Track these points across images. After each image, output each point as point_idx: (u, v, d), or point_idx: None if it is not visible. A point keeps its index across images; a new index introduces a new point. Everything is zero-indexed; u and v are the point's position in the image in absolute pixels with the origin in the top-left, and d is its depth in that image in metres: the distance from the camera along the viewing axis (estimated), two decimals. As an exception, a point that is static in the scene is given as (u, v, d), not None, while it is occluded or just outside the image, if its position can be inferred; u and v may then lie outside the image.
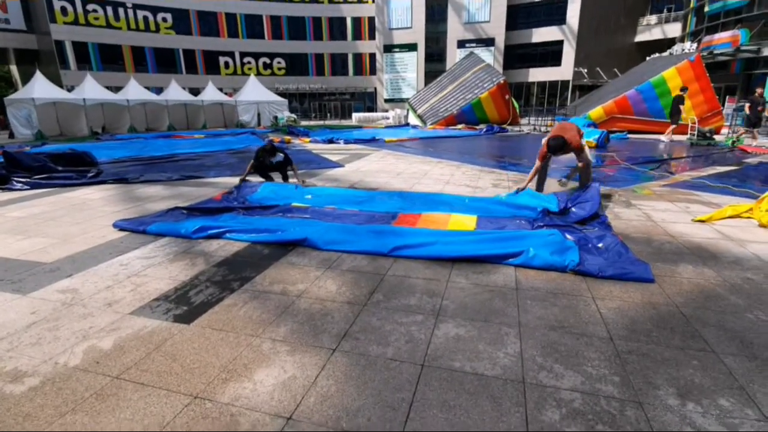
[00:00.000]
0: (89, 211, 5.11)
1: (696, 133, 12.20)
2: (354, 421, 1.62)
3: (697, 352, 2.06)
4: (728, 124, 15.42)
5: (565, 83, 34.77)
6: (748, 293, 2.67)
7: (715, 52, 23.27)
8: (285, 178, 6.45)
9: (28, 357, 2.08)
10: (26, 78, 24.16)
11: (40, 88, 19.61)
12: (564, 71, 34.50)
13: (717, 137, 12.80)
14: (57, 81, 25.66)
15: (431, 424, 1.61)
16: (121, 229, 4.21)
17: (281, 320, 2.40)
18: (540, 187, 5.34)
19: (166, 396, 1.78)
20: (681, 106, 12.64)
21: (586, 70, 32.97)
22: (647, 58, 19.30)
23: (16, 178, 6.63)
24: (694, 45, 23.11)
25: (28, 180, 6.66)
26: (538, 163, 5.14)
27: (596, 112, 15.52)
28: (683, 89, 13.10)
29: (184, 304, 2.60)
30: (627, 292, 2.70)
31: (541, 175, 5.30)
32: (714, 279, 2.89)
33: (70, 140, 17.00)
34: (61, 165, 7.18)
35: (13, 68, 33.37)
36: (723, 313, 2.44)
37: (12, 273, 3.15)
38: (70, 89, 23.49)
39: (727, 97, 20.17)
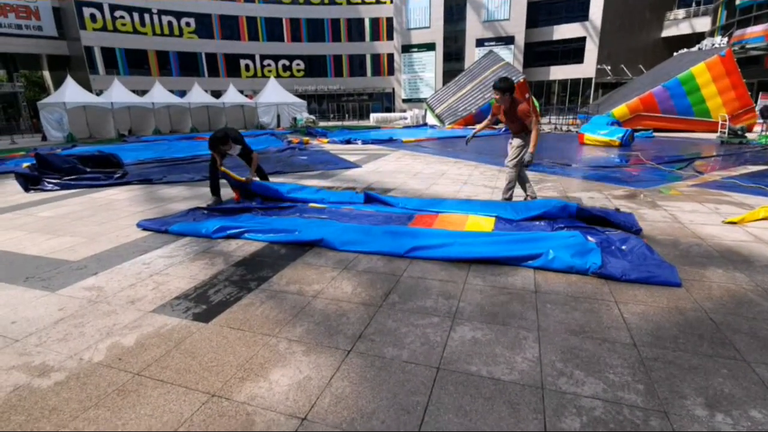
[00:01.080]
0: (115, 211, 5.27)
1: (727, 130, 11.72)
2: (368, 424, 1.61)
3: (727, 361, 1.96)
4: (761, 121, 14.75)
5: (587, 81, 34.00)
6: (783, 299, 2.54)
7: (747, 46, 22.33)
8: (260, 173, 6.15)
9: (55, 352, 2.15)
10: (58, 83, 25.20)
11: (71, 92, 20.42)
12: (586, 69, 33.73)
13: (749, 135, 12.28)
14: (87, 85, 26.70)
15: (446, 428, 1.59)
16: (145, 229, 4.32)
17: (297, 320, 2.41)
18: (523, 184, 4.94)
19: (185, 393, 1.81)
20: None
21: (609, 68, 32.16)
22: (674, 54, 18.66)
23: (47, 179, 6.91)
24: (725, 39, 22.19)
25: (59, 181, 6.93)
26: (489, 118, 5.11)
27: (620, 110, 15.11)
28: None
29: (203, 303, 2.65)
30: (652, 296, 2.60)
31: (522, 174, 4.89)
32: (746, 284, 2.76)
33: (98, 142, 17.64)
34: (89, 166, 7.44)
35: (46, 73, 34.80)
36: (755, 320, 2.32)
37: (41, 270, 3.28)
38: (98, 93, 24.38)
39: (760, 93, 19.31)
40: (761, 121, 13.69)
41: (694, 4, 32.36)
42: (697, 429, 1.56)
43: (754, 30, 22.92)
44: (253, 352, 2.11)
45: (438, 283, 2.86)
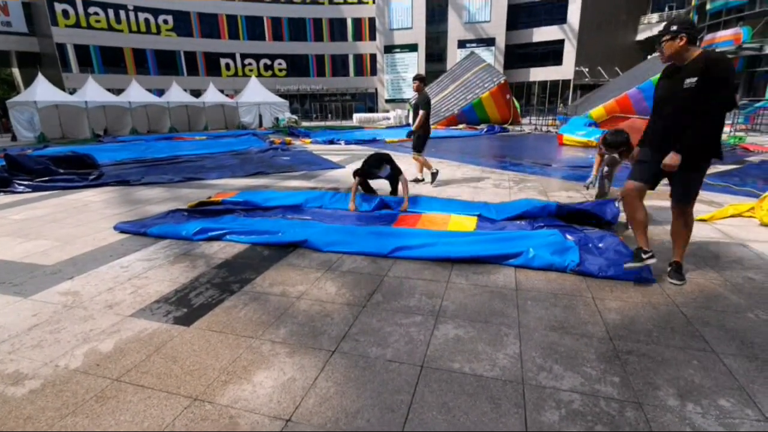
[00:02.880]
0: (91, 213, 5.13)
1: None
2: (353, 423, 1.62)
3: (697, 352, 2.05)
4: (730, 122, 15.35)
5: (566, 82, 34.74)
6: (749, 293, 2.66)
7: (717, 50, 23.18)
8: (394, 191, 5.39)
9: (29, 359, 2.09)
10: (28, 81, 24.29)
11: (42, 90, 19.70)
12: (565, 70, 34.47)
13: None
14: (59, 84, 25.81)
15: (430, 425, 1.61)
16: (122, 231, 4.22)
17: (281, 322, 2.40)
18: (602, 191, 4.93)
19: (166, 398, 1.79)
20: None
21: (587, 69, 32.94)
22: (648, 57, 19.24)
23: (17, 181, 6.66)
24: (696, 43, 22.99)
25: (30, 183, 6.69)
26: (597, 158, 4.81)
27: (597, 111, 15.49)
28: None
29: (185, 306, 2.61)
30: (627, 292, 2.69)
31: (603, 183, 4.83)
32: (715, 279, 2.88)
33: (72, 142, 17.08)
34: (62, 167, 7.21)
35: (15, 71, 33.49)
36: (724, 312, 2.43)
37: (14, 276, 3.17)
38: (72, 92, 23.63)
39: (730, 95, 20.06)
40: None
41: (667, 9, 33.44)
42: (669, 418, 1.62)
43: (724, 34, 23.84)
44: (236, 354, 2.09)
45: (422, 283, 2.89)
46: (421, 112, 6.22)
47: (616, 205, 4.03)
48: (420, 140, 6.46)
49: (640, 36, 34.91)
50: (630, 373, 1.89)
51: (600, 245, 3.32)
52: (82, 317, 2.50)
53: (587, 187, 5.14)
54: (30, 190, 6.58)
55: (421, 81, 6.31)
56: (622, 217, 3.84)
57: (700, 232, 3.87)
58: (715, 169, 7.52)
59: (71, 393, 1.83)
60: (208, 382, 1.88)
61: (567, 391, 1.78)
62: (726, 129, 14.84)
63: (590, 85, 30.90)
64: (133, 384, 1.88)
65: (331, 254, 3.47)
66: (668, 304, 2.53)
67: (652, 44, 30.97)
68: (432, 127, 7.23)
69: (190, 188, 6.63)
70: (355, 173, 4.97)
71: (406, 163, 8.94)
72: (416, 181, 6.67)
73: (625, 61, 27.97)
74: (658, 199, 4.94)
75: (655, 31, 33.69)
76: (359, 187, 5.03)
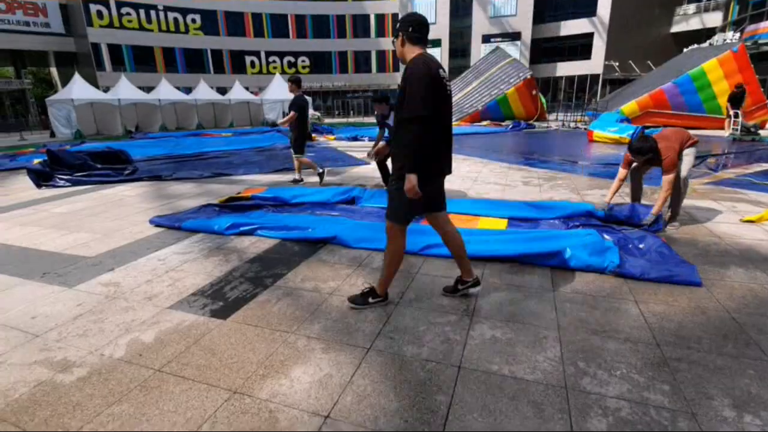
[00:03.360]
0: (126, 207, 5.29)
1: (740, 127, 11.57)
2: (392, 422, 1.61)
3: (752, 362, 1.93)
4: (774, 118, 14.54)
5: (595, 77, 33.67)
6: (806, 299, 2.50)
7: (760, 41, 21.99)
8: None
9: (75, 348, 2.16)
10: (65, 80, 25.36)
11: (78, 89, 20.49)
12: (594, 65, 33.41)
13: (762, 132, 12.12)
14: (94, 82, 26.81)
15: (471, 428, 1.57)
16: (158, 225, 4.34)
17: (314, 317, 2.41)
18: (636, 198, 4.30)
19: (207, 390, 1.81)
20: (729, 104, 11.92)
21: (617, 64, 31.81)
22: (685, 50, 18.43)
23: (58, 176, 6.95)
24: (737, 35, 21.87)
25: (70, 177, 6.97)
26: (621, 171, 4.04)
27: (629, 106, 14.98)
28: (738, 86, 12.36)
29: (220, 300, 2.65)
30: (672, 295, 2.57)
31: (635, 185, 4.23)
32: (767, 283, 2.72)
33: (106, 139, 17.72)
34: (99, 163, 7.48)
35: (53, 70, 35.00)
36: (779, 320, 2.29)
37: (58, 266, 3.29)
38: (105, 90, 24.44)
39: (773, 89, 19.03)
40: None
41: None
42: (726, 430, 1.54)
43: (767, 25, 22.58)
44: (272, 349, 2.11)
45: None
46: (291, 113, 5.99)
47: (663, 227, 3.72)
48: (297, 141, 6.27)
49: (675, 28, 33.46)
50: (681, 382, 1.80)
51: (641, 246, 3.19)
52: (123, 308, 2.58)
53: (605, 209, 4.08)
54: (70, 184, 6.86)
55: (295, 83, 6.03)
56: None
57: (748, 234, 3.68)
58: (759, 167, 7.13)
59: (116, 382, 1.88)
60: (247, 376, 1.90)
61: (614, 398, 1.71)
62: (769, 125, 14.09)
63: (620, 80, 29.85)
64: (175, 375, 1.92)
65: (360, 251, 3.46)
66: (718, 309, 2.40)
67: (688, 37, 29.63)
68: (455, 123, 7.09)
69: (220, 183, 6.77)
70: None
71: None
72: (295, 182, 6.49)
73: (659, 55, 26.86)
74: (702, 200, 4.72)
75: (692, 23, 32.29)
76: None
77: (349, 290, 2.75)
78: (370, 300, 2.51)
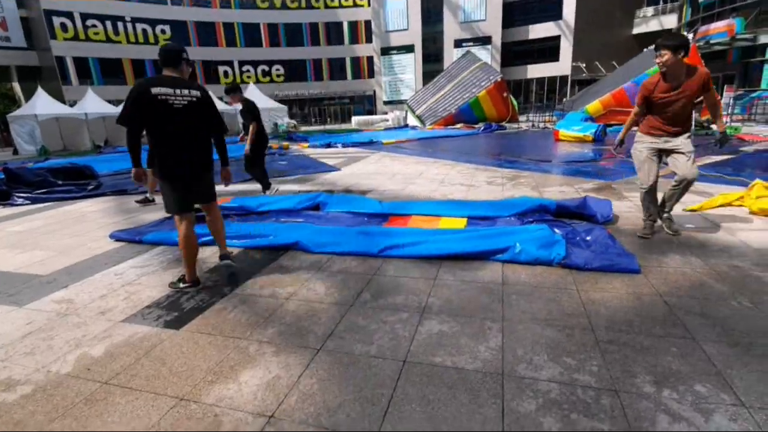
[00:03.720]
0: (87, 223, 5.19)
1: (693, 123, 12.13)
2: (334, 418, 1.66)
3: (677, 340, 2.07)
4: (726, 113, 15.33)
5: (563, 78, 34.70)
6: (733, 280, 2.68)
7: (712, 41, 23.11)
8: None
9: (21, 366, 2.13)
10: (29, 94, 24.53)
11: (42, 104, 19.89)
12: (562, 66, 34.45)
13: (714, 127, 12.73)
14: (59, 96, 26.04)
15: (409, 417, 1.64)
16: (118, 240, 4.28)
17: (269, 323, 2.44)
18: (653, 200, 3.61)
19: (153, 399, 1.83)
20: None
21: (584, 65, 32.92)
22: (645, 50, 19.22)
23: (17, 194, 6.74)
24: (690, 35, 22.95)
25: (29, 195, 6.77)
26: (636, 108, 3.49)
27: (593, 106, 15.51)
28: None
29: (175, 311, 2.65)
30: (611, 283, 2.71)
31: (653, 186, 3.52)
32: (700, 267, 2.90)
33: (72, 154, 17.22)
34: (61, 179, 7.29)
35: (16, 85, 33.80)
36: (707, 300, 2.45)
37: (9, 286, 3.22)
38: (72, 104, 23.79)
39: (725, 86, 20.01)
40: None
41: (661, 2, 33.37)
42: (645, 405, 1.65)
43: (718, 26, 23.75)
44: (223, 355, 2.13)
45: (409, 281, 2.93)
46: (252, 124, 5.43)
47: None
48: (255, 157, 5.65)
49: (636, 30, 34.82)
50: (609, 362, 1.92)
51: (588, 238, 3.35)
52: (75, 324, 2.55)
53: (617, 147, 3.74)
54: (29, 202, 6.66)
55: (235, 91, 5.38)
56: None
57: (689, 223, 3.89)
58: (709, 159, 7.52)
59: (61, 397, 1.88)
60: (195, 383, 1.92)
61: (545, 381, 1.81)
62: (724, 120, 14.84)
63: (587, 80, 30.86)
64: (122, 386, 1.93)
65: (322, 255, 3.51)
66: (652, 294, 2.55)
67: (648, 38, 30.91)
68: (429, 127, 7.19)
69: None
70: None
71: (402, 163, 9.01)
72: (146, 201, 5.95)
73: (623, 56, 27.87)
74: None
75: (651, 25, 33.69)
76: None
77: (307, 294, 2.80)
78: (181, 285, 2.97)
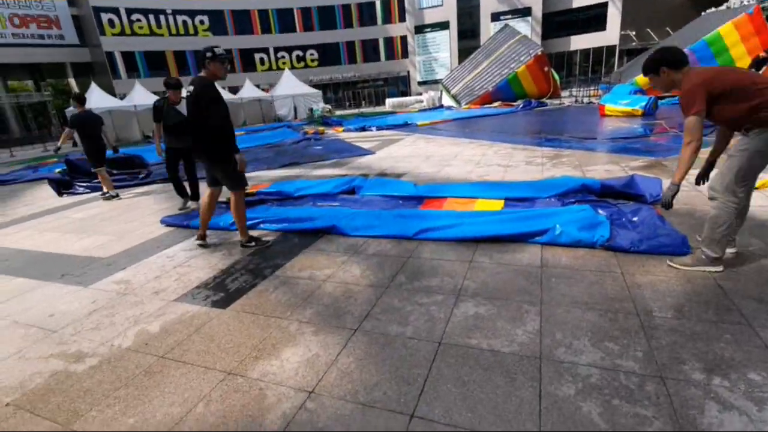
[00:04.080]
0: (140, 209, 5.55)
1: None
2: (371, 395, 1.72)
3: (731, 326, 1.95)
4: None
5: (611, 49, 32.52)
6: (799, 263, 2.47)
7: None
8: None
9: (89, 340, 2.35)
10: (83, 89, 26.19)
11: (96, 98, 21.20)
12: (609, 36, 32.24)
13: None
14: (111, 90, 27.63)
15: (444, 397, 1.67)
16: (168, 225, 4.55)
17: (308, 303, 2.53)
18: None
19: (204, 372, 1.96)
20: (765, 67, 11.23)
21: (634, 33, 30.65)
22: (702, 14, 17.58)
23: (77, 183, 7.30)
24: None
25: (89, 184, 7.31)
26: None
27: (643, 77, 14.45)
28: None
29: (221, 291, 2.81)
30: (660, 266, 2.58)
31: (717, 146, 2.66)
32: (761, 249, 2.69)
33: (125, 145, 18.30)
34: (115, 169, 7.79)
35: (72, 81, 36.15)
36: (766, 284, 2.28)
37: (75, 268, 3.53)
38: (122, 97, 25.17)
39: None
40: None
41: (724, -43, 30.17)
42: (693, 392, 1.58)
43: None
44: (266, 333, 2.24)
45: (445, 263, 2.92)
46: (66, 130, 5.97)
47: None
48: (90, 155, 6.30)
49: (694, -9, 31.79)
50: (655, 348, 1.84)
51: (634, 219, 3.18)
52: (133, 302, 2.77)
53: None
54: (89, 191, 7.20)
55: (78, 101, 5.92)
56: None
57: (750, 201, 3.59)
58: None
59: (123, 369, 2.06)
60: (241, 358, 2.04)
61: (585, 365, 1.77)
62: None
63: (638, 49, 28.77)
64: (176, 360, 2.08)
65: (358, 238, 3.56)
66: (705, 277, 2.41)
67: (705, 0, 28.17)
68: (465, 107, 6.98)
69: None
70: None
71: (437, 145, 8.87)
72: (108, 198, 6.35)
73: (677, 21, 25.63)
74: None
75: (712, -17, 30.60)
76: None
77: (343, 276, 2.87)
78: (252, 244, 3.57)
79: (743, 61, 12.78)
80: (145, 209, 5.52)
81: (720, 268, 2.44)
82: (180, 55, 35.73)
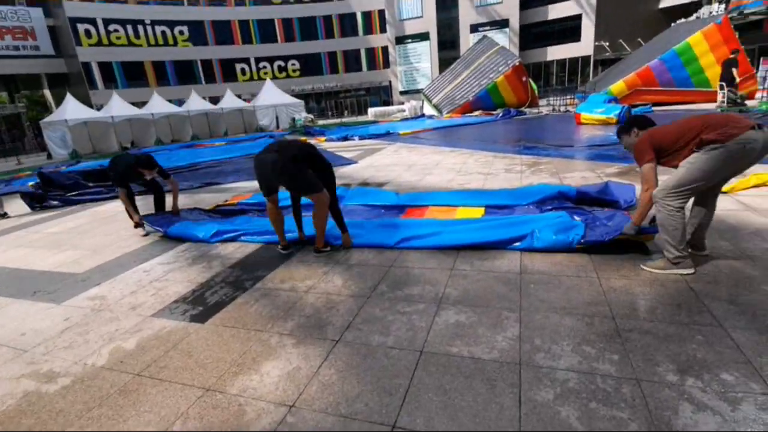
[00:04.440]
0: (117, 222, 5.42)
1: (726, 99, 11.55)
2: (352, 407, 1.70)
3: (703, 328, 2.01)
4: (762, 87, 14.48)
5: (586, 59, 33.54)
6: (765, 265, 2.57)
7: (746, 11, 21.79)
8: (159, 203, 5.09)
9: (61, 359, 2.27)
10: (59, 101, 25.59)
11: (72, 109, 20.73)
12: (584, 47, 33.28)
13: (750, 102, 12.08)
14: (87, 101, 27.02)
15: (426, 406, 1.67)
16: (150, 224, 4.51)
17: (289, 315, 2.51)
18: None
19: (182, 389, 1.92)
20: (734, 70, 11.70)
21: (607, 44, 31.68)
22: (672, 25, 18.35)
23: (51, 197, 7.09)
24: (722, 6, 21.71)
25: (63, 197, 7.10)
26: (645, 195, 2.63)
27: (617, 86, 14.95)
28: (734, 52, 12.25)
29: (200, 305, 2.75)
30: (635, 270, 2.65)
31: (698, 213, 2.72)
32: (730, 252, 2.79)
33: (102, 157, 17.89)
34: (91, 181, 7.62)
35: (47, 92, 35.26)
36: (736, 287, 2.36)
37: (48, 284, 3.41)
38: (99, 108, 24.66)
39: (762, 58, 18.90)
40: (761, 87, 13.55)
41: (691, -28, 31.64)
42: (667, 394, 1.62)
43: (754, -6, 22.39)
44: (246, 347, 2.21)
45: (426, 272, 2.94)
46: None
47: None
48: None
49: (663, 3, 33.16)
50: (630, 351, 1.89)
51: (609, 224, 3.26)
52: (108, 319, 2.69)
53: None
54: (63, 204, 6.99)
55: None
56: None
57: (720, 205, 3.72)
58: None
59: (97, 388, 1.99)
60: (220, 374, 2.00)
61: (563, 370, 1.80)
62: (759, 95, 14.03)
63: (612, 59, 29.70)
64: (153, 378, 2.03)
65: (338, 250, 3.55)
66: (677, 280, 2.48)
67: (676, 11, 29.41)
68: (446, 116, 7.06)
69: (209, 193, 6.88)
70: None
71: (419, 154, 8.96)
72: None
73: (649, 32, 26.60)
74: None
75: (679, -4, 31.97)
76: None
77: (325, 287, 2.85)
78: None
79: (712, 70, 13.36)
80: (121, 222, 5.39)
81: (691, 270, 2.53)
82: (159, 65, 35.32)
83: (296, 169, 3.25)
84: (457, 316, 2.32)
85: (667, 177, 2.54)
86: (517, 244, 3.09)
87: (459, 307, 2.42)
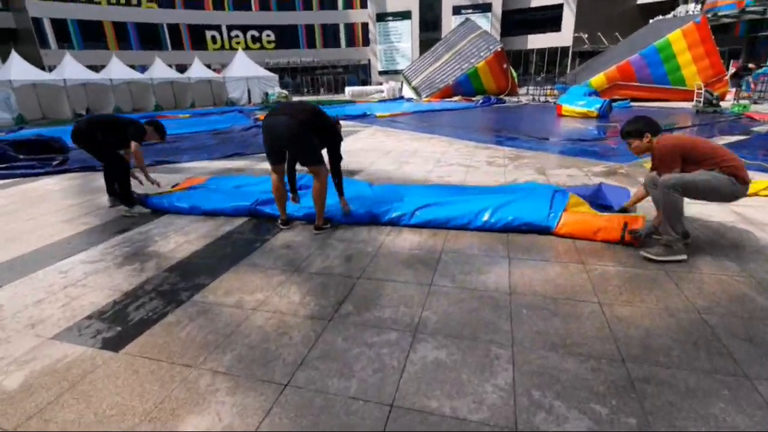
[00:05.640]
0: (46, 204, 4.68)
1: (702, 99, 11.59)
2: (296, 497, 1.26)
3: (726, 378, 1.68)
4: (732, 89, 14.73)
5: (565, 50, 33.52)
6: (779, 293, 2.28)
7: (720, 14, 22.15)
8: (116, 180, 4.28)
9: None
10: (3, 59, 23.17)
11: (18, 68, 18.74)
12: (564, 37, 33.20)
13: (722, 104, 12.20)
14: (37, 62, 24.61)
15: (395, 498, 1.25)
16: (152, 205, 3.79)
17: (228, 343, 2.01)
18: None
19: (66, 460, 1.41)
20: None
21: (586, 36, 31.74)
22: (650, 21, 18.36)
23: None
24: (698, 6, 21.98)
25: (-16, 171, 6.18)
26: (640, 188, 3.14)
27: (598, 79, 14.86)
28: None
29: (119, 324, 2.21)
30: (639, 294, 2.31)
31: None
32: (738, 275, 2.50)
33: (51, 123, 16.34)
34: (23, 153, 6.68)
35: (-9, 49, 32.00)
36: (751, 319, 2.06)
37: (-67, 286, 2.75)
38: (51, 69, 22.51)
39: (731, 61, 19.32)
40: (732, 89, 13.76)
41: (671, -30, 31.87)
42: (702, 480, 1.26)
43: (729, -4, 22.73)
44: (166, 392, 1.71)
45: (400, 286, 2.50)
46: None
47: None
48: None
49: (641, 0, 33.43)
50: (649, 412, 1.52)
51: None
52: (-5, 341, 2.11)
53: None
54: (-17, 179, 6.08)
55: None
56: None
57: (714, 215, 3.48)
58: (721, 140, 7.07)
59: (-53, 455, 1.46)
60: (124, 435, 1.51)
61: (571, 440, 1.42)
62: (729, 97, 14.26)
63: (590, 52, 29.79)
64: (30, 438, 1.51)
65: (299, 253, 3.06)
66: (688, 309, 2.15)
67: (653, 9, 29.66)
68: (425, 99, 6.59)
69: (160, 173, 6.13)
70: None
71: (396, 139, 8.44)
72: None
73: (626, 27, 26.75)
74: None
75: (658, -7, 32.26)
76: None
77: (278, 303, 2.37)
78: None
79: (689, 69, 13.40)
80: (51, 204, 4.66)
81: (684, 256, 2.64)
82: (120, 26, 32.66)
83: (306, 135, 3.09)
84: (436, 351, 1.90)
85: (674, 173, 2.60)
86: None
87: (438, 338, 2.00)
